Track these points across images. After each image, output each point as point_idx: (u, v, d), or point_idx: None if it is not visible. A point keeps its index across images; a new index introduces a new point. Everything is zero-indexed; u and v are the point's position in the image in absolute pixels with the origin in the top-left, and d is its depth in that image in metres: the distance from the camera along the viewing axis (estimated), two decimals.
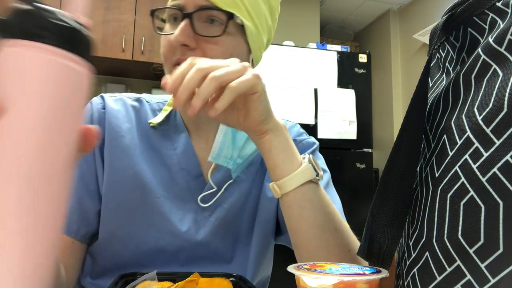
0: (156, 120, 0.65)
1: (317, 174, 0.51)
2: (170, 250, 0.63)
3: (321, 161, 0.70)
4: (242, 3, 0.57)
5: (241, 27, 0.59)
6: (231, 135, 0.63)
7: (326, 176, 0.68)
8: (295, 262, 0.51)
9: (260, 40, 0.63)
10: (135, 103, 0.68)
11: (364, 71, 2.62)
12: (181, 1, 0.56)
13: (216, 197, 0.64)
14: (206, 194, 0.64)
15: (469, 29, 0.38)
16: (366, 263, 0.42)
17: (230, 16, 0.56)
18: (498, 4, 0.34)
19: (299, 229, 0.51)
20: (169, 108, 0.67)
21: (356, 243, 0.53)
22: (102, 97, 0.66)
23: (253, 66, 0.64)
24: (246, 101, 0.47)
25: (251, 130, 0.50)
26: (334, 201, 0.65)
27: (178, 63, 0.56)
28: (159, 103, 0.69)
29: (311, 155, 0.52)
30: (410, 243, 0.37)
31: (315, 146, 0.72)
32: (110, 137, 0.63)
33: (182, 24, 0.55)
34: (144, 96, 0.70)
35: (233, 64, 0.45)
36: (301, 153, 0.69)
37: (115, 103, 0.66)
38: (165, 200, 0.63)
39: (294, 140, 0.71)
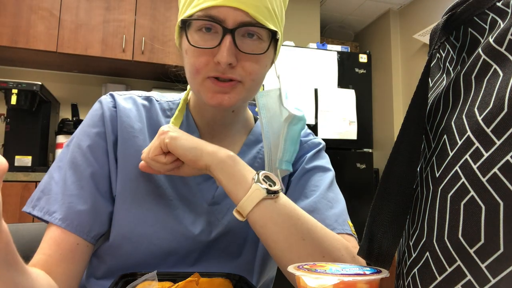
0: None
1: (270, 191, 0.51)
2: (181, 252, 0.62)
3: (325, 160, 0.71)
4: (275, 16, 0.57)
5: (276, 40, 0.60)
6: (289, 141, 0.63)
7: (330, 175, 0.68)
8: None
9: (280, 45, 0.64)
10: (145, 102, 0.67)
11: (364, 71, 2.62)
12: (219, 14, 0.53)
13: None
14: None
15: (470, 29, 0.38)
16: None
17: (273, 34, 0.57)
18: (499, 4, 0.34)
19: (268, 246, 0.52)
20: (181, 115, 0.66)
21: (332, 246, 0.52)
22: (112, 96, 0.65)
23: (271, 65, 0.65)
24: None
25: (199, 170, 0.56)
26: (337, 199, 0.65)
27: (216, 78, 0.56)
28: (168, 102, 0.69)
29: (261, 173, 0.53)
30: (411, 243, 0.37)
31: (320, 147, 0.72)
32: (123, 137, 0.62)
33: (227, 42, 0.53)
34: (154, 94, 0.69)
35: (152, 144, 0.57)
36: (305, 154, 0.70)
37: (126, 102, 0.65)
38: (178, 202, 0.62)
39: (299, 141, 0.71)
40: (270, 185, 0.52)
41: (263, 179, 0.52)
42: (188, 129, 0.66)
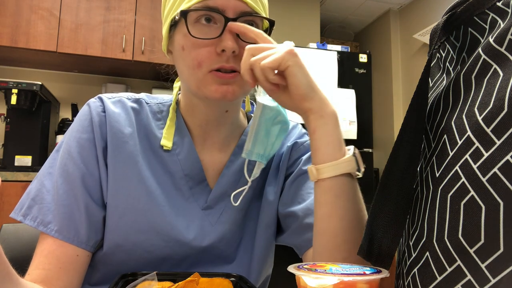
0: (167, 144, 0.62)
1: (359, 170, 0.51)
2: (175, 258, 0.62)
3: None
4: (264, 8, 0.59)
5: (267, 31, 0.61)
6: (264, 131, 0.61)
7: None
8: (295, 262, 0.51)
9: None
10: (135, 105, 0.65)
11: (365, 71, 2.62)
12: (217, 4, 0.53)
13: (245, 192, 0.62)
14: (238, 191, 0.62)
15: (470, 29, 0.38)
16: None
17: (272, 23, 0.59)
18: (499, 4, 0.34)
19: (330, 218, 0.50)
20: (173, 117, 0.65)
21: None
22: (101, 99, 0.63)
23: None
24: (285, 78, 0.50)
25: (298, 108, 0.52)
26: None
27: (219, 69, 0.54)
28: (158, 104, 0.67)
29: (357, 150, 0.52)
30: (411, 243, 0.37)
31: None
32: (113, 143, 0.60)
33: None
34: (143, 96, 0.67)
35: (270, 50, 0.50)
36: (302, 156, 0.68)
37: (115, 106, 0.63)
38: (170, 208, 0.61)
39: (295, 143, 0.70)
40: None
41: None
42: (180, 132, 0.64)
